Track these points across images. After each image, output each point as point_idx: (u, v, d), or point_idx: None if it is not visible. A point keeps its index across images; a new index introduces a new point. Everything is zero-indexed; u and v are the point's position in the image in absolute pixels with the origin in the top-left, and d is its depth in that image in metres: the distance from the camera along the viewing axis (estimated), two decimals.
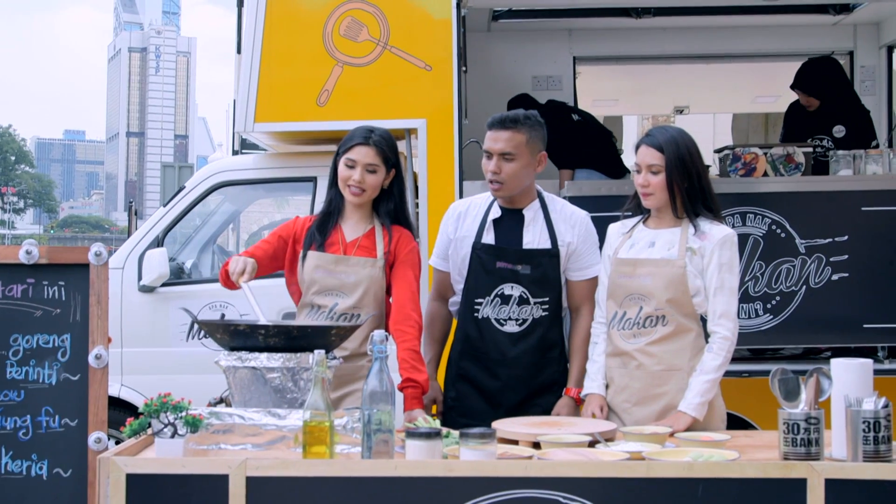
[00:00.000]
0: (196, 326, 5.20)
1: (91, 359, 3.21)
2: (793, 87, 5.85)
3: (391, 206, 3.48)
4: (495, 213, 3.45)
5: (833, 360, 2.65)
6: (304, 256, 3.42)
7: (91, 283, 3.28)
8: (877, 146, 5.90)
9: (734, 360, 4.65)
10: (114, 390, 5.12)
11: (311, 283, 3.40)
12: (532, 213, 3.44)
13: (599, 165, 5.70)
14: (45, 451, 3.16)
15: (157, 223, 5.44)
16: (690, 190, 3.25)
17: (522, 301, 3.37)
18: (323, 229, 3.46)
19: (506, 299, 3.38)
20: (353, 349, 3.33)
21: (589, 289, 3.45)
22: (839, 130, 5.71)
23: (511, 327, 3.38)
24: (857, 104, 5.97)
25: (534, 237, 3.41)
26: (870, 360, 2.66)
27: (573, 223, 3.45)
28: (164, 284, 5.30)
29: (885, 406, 2.50)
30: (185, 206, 5.46)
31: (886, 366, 4.88)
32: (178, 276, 5.54)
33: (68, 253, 3.34)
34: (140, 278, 5.29)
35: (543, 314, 3.39)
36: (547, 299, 3.39)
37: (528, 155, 3.37)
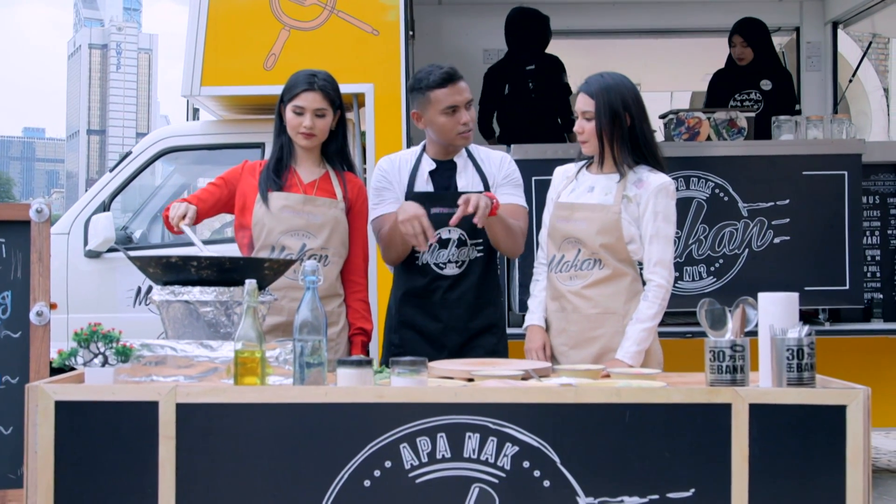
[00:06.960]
0: (143, 292, 5.19)
1: (32, 316, 3.18)
2: (732, 34, 5.96)
3: (338, 147, 3.53)
4: (429, 165, 3.48)
5: (760, 294, 2.68)
6: (266, 199, 3.39)
7: (32, 240, 3.25)
8: (799, 112, 6.04)
9: (677, 322, 4.73)
10: None
11: (277, 222, 3.38)
12: (462, 160, 3.50)
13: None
14: None
15: (102, 188, 5.41)
16: (623, 137, 3.26)
17: (461, 243, 3.42)
18: (278, 173, 3.45)
19: (444, 243, 3.42)
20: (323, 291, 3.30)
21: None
22: (766, 84, 5.85)
23: (451, 269, 3.43)
24: (781, 65, 6.13)
25: (467, 182, 3.47)
26: (796, 294, 2.68)
27: (498, 162, 3.52)
28: (110, 250, 5.27)
29: (809, 334, 2.54)
30: (132, 171, 5.43)
31: (827, 328, 4.97)
32: (125, 244, 5.52)
33: (8, 209, 3.31)
34: (86, 243, 5.26)
35: (479, 255, 3.45)
36: (481, 241, 3.44)
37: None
